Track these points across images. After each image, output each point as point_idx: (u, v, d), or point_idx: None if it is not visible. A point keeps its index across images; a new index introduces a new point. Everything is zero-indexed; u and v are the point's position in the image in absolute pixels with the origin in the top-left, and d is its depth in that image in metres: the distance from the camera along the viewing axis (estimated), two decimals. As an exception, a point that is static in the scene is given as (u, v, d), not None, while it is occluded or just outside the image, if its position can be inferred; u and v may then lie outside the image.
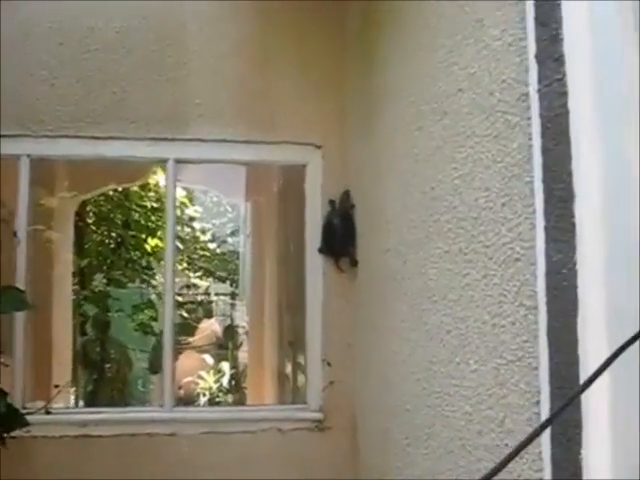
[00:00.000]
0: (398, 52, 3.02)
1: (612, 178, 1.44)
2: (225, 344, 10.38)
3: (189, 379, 9.54)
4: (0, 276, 3.62)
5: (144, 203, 9.70)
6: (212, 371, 9.82)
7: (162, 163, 4.02)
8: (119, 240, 9.91)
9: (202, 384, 9.56)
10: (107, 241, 9.92)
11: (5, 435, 3.15)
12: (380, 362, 3.30)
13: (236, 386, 9.41)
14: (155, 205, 9.58)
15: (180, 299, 11.19)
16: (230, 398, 9.31)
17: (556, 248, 1.58)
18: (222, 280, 12.79)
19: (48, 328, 5.67)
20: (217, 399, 9.36)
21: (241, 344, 9.86)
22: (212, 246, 13.12)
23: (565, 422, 1.47)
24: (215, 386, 9.55)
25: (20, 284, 3.64)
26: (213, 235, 13.20)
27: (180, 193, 10.07)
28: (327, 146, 4.00)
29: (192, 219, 11.94)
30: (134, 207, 9.64)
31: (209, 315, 11.66)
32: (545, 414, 1.63)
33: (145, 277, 10.09)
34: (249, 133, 3.96)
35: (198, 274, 12.39)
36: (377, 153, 3.37)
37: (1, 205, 3.94)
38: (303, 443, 3.82)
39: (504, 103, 1.93)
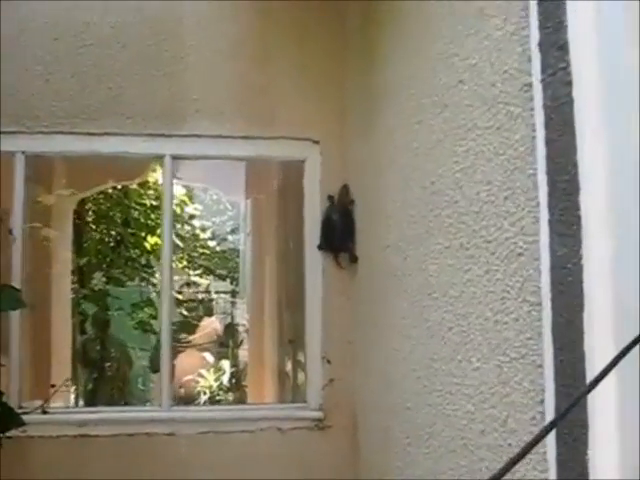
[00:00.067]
0: (398, 46, 2.97)
1: (618, 169, 1.39)
2: (225, 342, 10.36)
3: (189, 377, 9.52)
4: (-4, 275, 3.59)
5: (143, 201, 9.66)
6: (212, 369, 9.79)
7: (159, 159, 3.96)
8: (118, 238, 9.87)
9: (202, 382, 9.53)
10: (106, 239, 9.88)
11: (1, 435, 3.11)
12: (380, 360, 3.26)
13: (236, 384, 9.38)
14: (154, 203, 9.53)
15: (180, 297, 11.16)
16: (230, 396, 9.28)
17: (561, 242, 1.53)
18: (222, 278, 12.76)
19: (47, 327, 5.64)
20: (217, 397, 9.32)
21: (241, 342, 9.84)
22: (212, 244, 13.08)
23: (571, 422, 1.42)
24: (215, 384, 9.52)
25: (16, 283, 3.59)
26: (213, 233, 13.17)
27: (180, 191, 10.04)
28: (326, 141, 3.95)
29: (192, 217, 11.90)
30: (133, 205, 9.60)
31: (209, 313, 11.63)
32: (550, 413, 1.59)
33: (145, 275, 10.05)
34: (247, 129, 3.92)
35: (198, 272, 12.34)
36: (377, 148, 3.32)
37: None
38: (303, 442, 3.78)
39: (506, 94, 1.88)
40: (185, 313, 11.12)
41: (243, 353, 9.41)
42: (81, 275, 8.65)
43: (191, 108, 3.88)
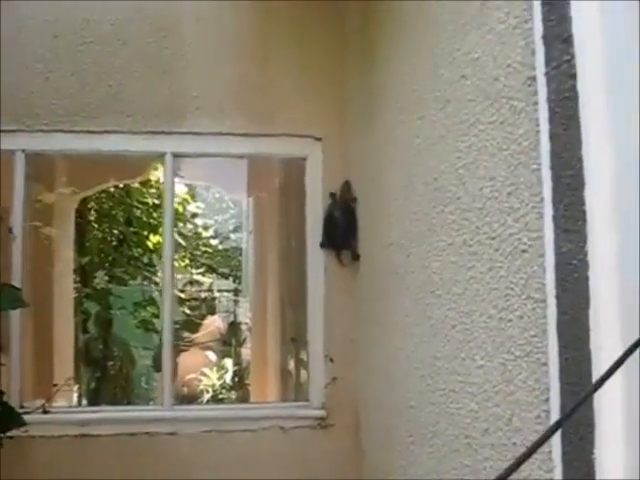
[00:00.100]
0: (399, 42, 2.95)
1: (624, 163, 1.37)
2: (228, 341, 10.34)
3: (192, 376, 9.52)
4: (-3, 274, 3.57)
5: (145, 199, 9.63)
6: (215, 368, 9.77)
7: (160, 157, 3.93)
8: (121, 237, 9.85)
9: (205, 381, 9.52)
10: (109, 238, 9.85)
11: (1, 435, 3.10)
12: (383, 358, 3.23)
13: (239, 383, 9.37)
14: (157, 202, 9.49)
15: (183, 296, 11.14)
16: (233, 395, 9.27)
17: (566, 238, 1.50)
18: (225, 276, 12.72)
19: (49, 326, 5.62)
20: (220, 396, 9.31)
21: (244, 341, 9.82)
22: (214, 242, 13.05)
23: (577, 420, 1.40)
24: (218, 383, 9.50)
25: (16, 282, 3.57)
26: (215, 231, 13.13)
27: (182, 190, 10.02)
28: (327, 139, 3.93)
29: (194, 215, 11.88)
30: (135, 204, 9.57)
31: (212, 312, 11.61)
32: (555, 411, 1.56)
33: (147, 274, 10.03)
34: (248, 126, 3.89)
35: (201, 271, 12.32)
36: (378, 145, 3.30)
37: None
38: (305, 441, 3.76)
39: (509, 88, 1.86)
40: (188, 312, 11.10)
41: (246, 351, 9.39)
42: (83, 274, 8.62)
43: (191, 106, 3.86)
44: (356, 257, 3.72)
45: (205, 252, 12.74)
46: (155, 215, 9.54)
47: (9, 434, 3.13)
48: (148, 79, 3.85)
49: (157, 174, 7.45)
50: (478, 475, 2.06)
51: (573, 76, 1.49)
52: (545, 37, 1.61)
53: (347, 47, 3.91)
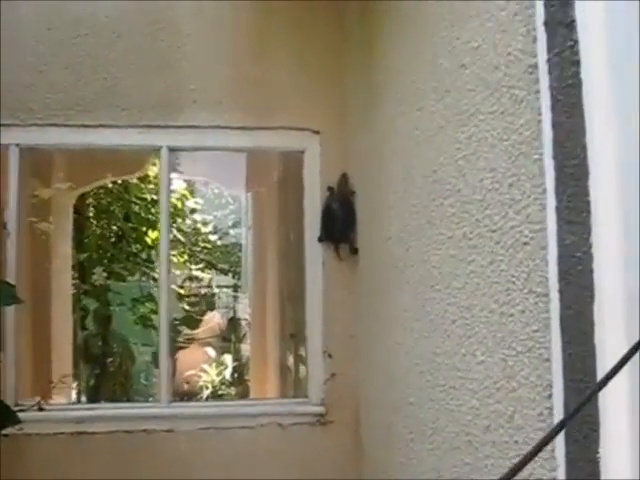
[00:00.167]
0: (398, 32, 2.89)
1: (630, 152, 1.32)
2: (228, 337, 10.32)
3: (192, 372, 9.50)
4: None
5: (144, 195, 9.58)
6: (215, 364, 9.75)
7: (156, 151, 3.88)
8: (119, 233, 9.81)
9: (205, 377, 9.49)
10: (107, 234, 9.81)
11: (-4, 433, 3.07)
12: (383, 354, 3.19)
13: (239, 379, 9.34)
14: (155, 197, 9.42)
15: (182, 292, 11.10)
16: (233, 391, 9.24)
17: (569, 230, 1.45)
18: (224, 272, 12.68)
19: (47, 323, 5.58)
20: (220, 392, 9.28)
21: (244, 336, 9.79)
22: (214, 238, 13.00)
23: (581, 419, 1.35)
24: (217, 379, 9.48)
25: (11, 278, 3.53)
26: (215, 227, 13.08)
27: (181, 185, 9.97)
28: (325, 132, 3.88)
29: (193, 211, 11.83)
30: (134, 199, 9.53)
31: (212, 308, 11.58)
32: (558, 409, 1.52)
33: (146, 270, 9.98)
34: (245, 119, 3.84)
35: (200, 266, 12.28)
36: (377, 137, 3.25)
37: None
38: (304, 438, 3.72)
39: (510, 77, 1.81)
40: (187, 308, 11.06)
41: (245, 347, 9.37)
42: (82, 270, 8.58)
43: (188, 99, 3.81)
44: (354, 251, 3.68)
45: (204, 248, 12.69)
46: (153, 211, 9.48)
47: (4, 432, 3.10)
48: (144, 72, 3.80)
49: (155, 169, 7.40)
50: (479, 473, 2.02)
51: (576, 63, 1.44)
52: (547, 23, 1.56)
53: (346, 39, 3.86)
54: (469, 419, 2.10)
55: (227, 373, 9.55)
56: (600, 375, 1.32)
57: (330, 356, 3.78)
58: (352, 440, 3.68)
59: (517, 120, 1.76)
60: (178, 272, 11.01)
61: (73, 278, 7.48)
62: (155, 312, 8.86)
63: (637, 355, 1.08)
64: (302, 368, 4.77)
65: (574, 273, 1.43)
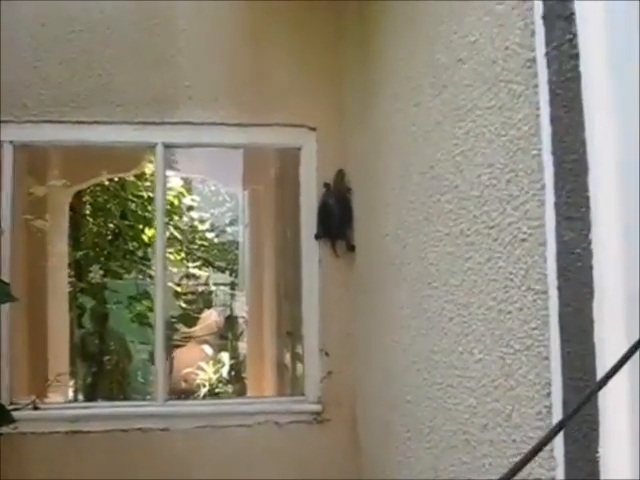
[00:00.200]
0: (395, 27, 2.87)
1: (630, 147, 1.29)
2: (225, 335, 10.30)
3: (189, 370, 9.48)
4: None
5: (140, 193, 9.55)
6: (212, 362, 9.72)
7: (151, 148, 3.85)
8: (116, 231, 9.78)
9: (202, 375, 9.47)
10: (104, 232, 9.78)
11: (-10, 432, 3.05)
12: (380, 351, 3.17)
13: (236, 377, 9.32)
14: (152, 195, 9.38)
15: (179, 289, 11.07)
16: (230, 389, 9.22)
17: (568, 226, 1.43)
18: (222, 270, 12.65)
19: (44, 321, 5.55)
20: (217, 390, 9.26)
21: (241, 334, 9.77)
22: (211, 236, 12.97)
23: (580, 417, 1.33)
24: (215, 377, 9.46)
25: (5, 276, 3.50)
26: (212, 225, 13.05)
27: (177, 183, 9.94)
28: (322, 128, 3.85)
29: (190, 209, 11.79)
30: (130, 197, 9.50)
31: (209, 305, 11.55)
32: (557, 407, 1.49)
33: (143, 268, 9.96)
34: (241, 116, 3.82)
35: (197, 264, 12.25)
36: (374, 134, 3.22)
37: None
38: (301, 436, 3.69)
39: (508, 71, 1.78)
40: (184, 306, 11.03)
41: (242, 345, 9.35)
42: (78, 268, 8.55)
43: (183, 95, 3.78)
44: (351, 248, 3.66)
45: (201, 246, 12.66)
46: (150, 208, 9.44)
47: (-2, 431, 3.08)
48: (139, 68, 3.77)
49: (151, 167, 7.37)
50: (477, 472, 2.00)
51: (575, 56, 1.41)
52: (545, 16, 1.54)
53: (342, 36, 3.83)
54: (467, 417, 2.08)
55: (224, 371, 9.53)
56: (600, 373, 1.30)
57: (327, 354, 3.76)
58: (349, 438, 3.66)
59: (515, 115, 1.74)
60: (175, 270, 10.98)
61: (69, 276, 7.45)
62: (152, 310, 8.85)
63: (637, 354, 1.06)
64: (299, 366, 4.75)
65: (573, 270, 1.41)
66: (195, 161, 6.26)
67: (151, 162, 6.33)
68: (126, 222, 9.59)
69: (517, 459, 1.73)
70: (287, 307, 5.61)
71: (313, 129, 3.84)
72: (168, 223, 9.46)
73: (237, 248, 11.11)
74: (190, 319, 10.82)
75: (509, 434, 1.79)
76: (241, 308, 10.21)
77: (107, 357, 8.48)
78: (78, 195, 7.75)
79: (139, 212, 9.57)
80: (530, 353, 1.66)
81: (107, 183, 8.92)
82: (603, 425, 1.30)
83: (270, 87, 3.87)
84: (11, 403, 3.51)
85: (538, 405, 1.62)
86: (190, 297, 11.59)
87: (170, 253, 10.18)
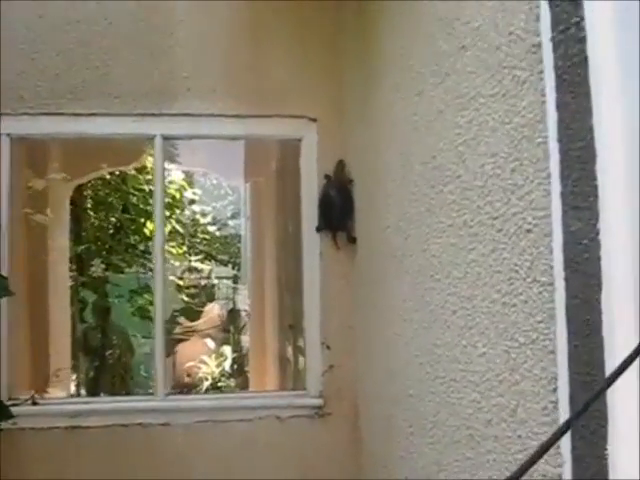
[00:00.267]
0: (395, 15, 2.81)
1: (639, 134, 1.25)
2: (227, 328, 10.28)
3: (191, 364, 9.46)
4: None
5: (142, 187, 9.52)
6: (214, 356, 9.71)
7: (149, 140, 3.81)
8: (118, 225, 9.75)
9: (205, 369, 9.45)
10: (105, 226, 9.75)
11: (-11, 428, 3.02)
12: (382, 345, 3.13)
13: (238, 371, 9.30)
14: (153, 188, 9.36)
15: (181, 283, 11.05)
16: (232, 383, 9.20)
17: (575, 216, 1.38)
18: (224, 264, 12.64)
19: (45, 316, 5.52)
20: (219, 384, 9.24)
21: (243, 328, 9.75)
22: (213, 229, 12.95)
23: (588, 414, 1.28)
24: (217, 371, 9.44)
25: (3, 270, 3.47)
26: (214, 218, 13.02)
27: (179, 176, 9.91)
28: (323, 119, 3.80)
29: (192, 202, 11.76)
30: (132, 191, 9.46)
31: (211, 299, 11.54)
32: (564, 402, 1.45)
33: (144, 261, 9.93)
34: (240, 107, 3.76)
35: (199, 258, 12.23)
36: (375, 124, 3.17)
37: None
38: (303, 431, 3.65)
39: (512, 57, 1.73)
40: (187, 299, 11.01)
41: (245, 339, 9.33)
42: (80, 262, 8.53)
43: (182, 86, 3.73)
44: (352, 240, 3.62)
45: (203, 239, 12.64)
46: (151, 202, 9.40)
47: (-3, 427, 3.05)
48: (137, 59, 3.72)
49: (152, 160, 7.33)
50: (481, 468, 1.96)
51: (582, 39, 1.37)
52: (551, -1, 1.49)
53: (342, 25, 3.77)
54: (470, 413, 2.04)
55: (227, 365, 9.51)
56: (608, 367, 1.26)
57: (328, 347, 3.72)
58: (351, 433, 3.62)
59: (520, 102, 1.69)
60: (177, 263, 10.97)
61: (71, 270, 7.43)
62: (153, 303, 8.83)
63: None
64: (301, 360, 4.71)
65: (580, 261, 1.36)
66: (196, 154, 6.22)
67: (151, 155, 6.31)
68: (127, 216, 9.56)
69: (522, 455, 1.70)
70: (289, 300, 5.58)
71: (314, 120, 3.79)
72: (170, 217, 9.44)
73: (239, 241, 11.09)
74: (193, 313, 10.82)
75: (514, 430, 1.75)
76: (244, 301, 10.19)
77: (109, 351, 8.45)
78: (79, 189, 7.72)
79: (141, 206, 9.53)
80: (535, 347, 1.61)
81: (108, 177, 8.89)
82: (612, 421, 1.26)
83: (269, 78, 3.81)
84: (10, 399, 3.48)
85: (544, 400, 1.58)
86: (193, 291, 11.58)
87: (172, 247, 10.16)
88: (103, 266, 9.02)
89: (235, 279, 11.68)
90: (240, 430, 3.62)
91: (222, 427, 3.61)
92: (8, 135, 3.62)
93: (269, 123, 3.78)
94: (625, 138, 1.27)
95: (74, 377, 7.60)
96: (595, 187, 1.31)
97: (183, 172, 9.87)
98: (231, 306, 11.04)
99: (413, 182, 2.56)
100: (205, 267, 12.18)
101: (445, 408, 2.26)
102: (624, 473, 1.24)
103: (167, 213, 8.85)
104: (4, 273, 3.43)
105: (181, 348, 9.90)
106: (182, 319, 10.47)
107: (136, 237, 9.79)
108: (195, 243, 12.38)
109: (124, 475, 3.50)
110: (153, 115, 3.69)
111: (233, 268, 12.19)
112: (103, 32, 3.69)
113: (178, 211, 10.69)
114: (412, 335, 2.61)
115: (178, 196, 10.22)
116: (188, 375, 9.53)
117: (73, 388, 7.38)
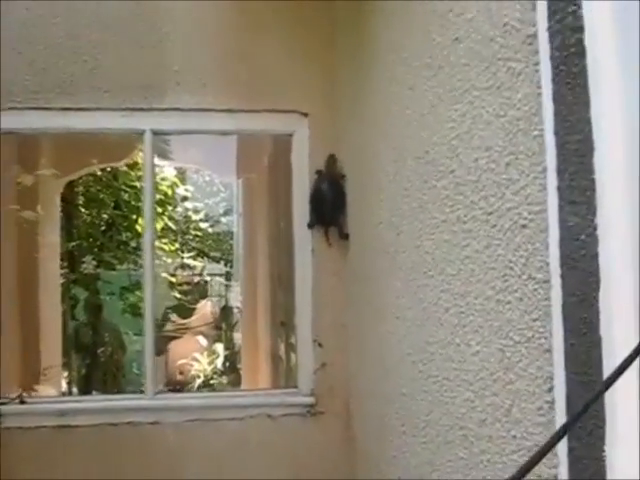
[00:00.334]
0: (388, 8, 2.77)
1: (639, 125, 1.21)
2: (220, 325, 10.25)
3: (183, 361, 9.43)
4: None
5: (133, 183, 9.46)
6: (206, 353, 9.67)
7: (139, 135, 3.75)
8: (109, 221, 9.70)
9: (197, 366, 9.42)
10: (97, 222, 9.70)
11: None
12: (375, 343, 3.09)
13: (230, 368, 9.27)
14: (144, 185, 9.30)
15: (174, 280, 11.01)
16: (224, 380, 9.16)
17: (572, 211, 1.34)
18: (216, 260, 12.61)
19: (36, 313, 5.47)
20: (211, 382, 9.21)
21: (236, 325, 9.72)
22: (205, 226, 12.90)
23: (586, 414, 1.24)
24: (209, 368, 9.40)
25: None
26: (206, 215, 12.98)
27: (171, 172, 9.85)
28: (314, 114, 3.76)
29: (184, 199, 11.72)
30: (123, 187, 9.41)
31: (204, 296, 11.50)
32: (560, 403, 1.41)
33: (136, 258, 9.88)
34: (231, 102, 3.72)
35: (191, 254, 12.18)
36: (368, 119, 3.13)
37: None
38: (294, 429, 3.62)
39: (507, 49, 1.69)
40: (179, 296, 10.97)
41: (238, 336, 9.30)
42: (71, 259, 8.48)
43: (172, 80, 3.68)
44: (345, 236, 3.58)
45: (196, 236, 12.60)
46: (143, 199, 9.36)
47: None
48: (126, 53, 3.67)
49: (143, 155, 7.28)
50: (474, 469, 1.92)
51: (579, 29, 1.32)
52: (547, -13, 1.45)
53: (335, 18, 3.73)
54: (464, 412, 2.00)
55: (219, 362, 9.47)
56: (606, 367, 1.22)
57: (320, 345, 3.68)
58: (343, 431, 3.59)
59: (515, 95, 1.65)
60: (170, 260, 10.91)
61: (62, 267, 7.38)
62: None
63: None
64: (293, 357, 4.68)
65: (577, 257, 1.32)
66: (189, 151, 6.19)
67: (142, 150, 6.26)
68: (119, 212, 9.51)
69: (516, 456, 1.67)
70: (281, 297, 5.55)
71: (305, 115, 3.75)
72: (162, 214, 9.38)
73: (232, 238, 11.06)
74: (185, 310, 10.79)
75: (508, 430, 1.71)
76: (236, 298, 10.16)
77: (101, 349, 8.41)
78: (70, 185, 7.66)
79: (132, 202, 9.49)
80: (531, 345, 1.58)
81: (99, 173, 8.84)
82: (610, 422, 1.22)
83: (260, 72, 3.77)
84: (-3, 397, 3.43)
85: (539, 400, 1.54)
86: (185, 288, 11.55)
87: (164, 244, 10.11)
88: (94, 263, 8.99)
89: (227, 276, 11.66)
90: (231, 429, 3.58)
91: (213, 426, 3.57)
92: (-5, 130, 3.56)
93: (260, 118, 3.74)
94: (624, 130, 1.23)
95: (65, 375, 7.56)
96: (593, 181, 1.27)
97: (175, 169, 9.83)
98: (223, 303, 11.01)
99: (406, 177, 2.52)
100: (197, 264, 12.15)
101: (438, 407, 2.22)
102: (622, 475, 1.20)
103: (159, 210, 8.81)
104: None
105: (173, 345, 9.87)
106: (174, 316, 10.43)
107: (128, 234, 9.75)
108: (187, 240, 12.34)
109: (113, 475, 3.46)
110: (142, 110, 3.65)
111: (225, 265, 12.16)
112: (91, 25, 3.64)
113: (170, 208, 10.64)
114: (405, 333, 2.57)
115: (170, 193, 10.18)
116: (181, 373, 9.50)
117: (64, 386, 7.33)
